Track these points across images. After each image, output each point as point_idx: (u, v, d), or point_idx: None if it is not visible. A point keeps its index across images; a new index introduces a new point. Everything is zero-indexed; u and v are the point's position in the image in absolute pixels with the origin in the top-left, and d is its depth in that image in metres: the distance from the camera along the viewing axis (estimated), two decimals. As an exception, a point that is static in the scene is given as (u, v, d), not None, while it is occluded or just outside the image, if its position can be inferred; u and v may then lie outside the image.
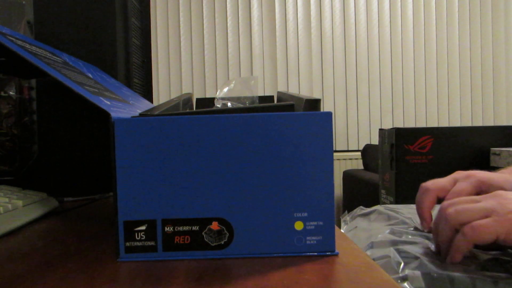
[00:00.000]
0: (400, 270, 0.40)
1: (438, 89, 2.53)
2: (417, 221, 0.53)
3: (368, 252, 0.47)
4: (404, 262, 0.41)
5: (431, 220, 0.49)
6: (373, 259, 0.44)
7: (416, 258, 0.42)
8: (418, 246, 0.46)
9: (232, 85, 0.66)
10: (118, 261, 0.31)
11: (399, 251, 0.44)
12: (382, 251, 0.45)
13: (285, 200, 0.31)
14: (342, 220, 0.64)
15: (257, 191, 0.31)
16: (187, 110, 0.60)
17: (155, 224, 0.31)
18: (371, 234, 0.52)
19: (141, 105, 0.56)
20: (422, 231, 0.51)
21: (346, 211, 0.67)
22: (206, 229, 0.31)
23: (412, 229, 0.52)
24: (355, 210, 0.64)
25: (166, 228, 0.31)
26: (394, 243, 0.47)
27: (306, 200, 0.31)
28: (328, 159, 0.31)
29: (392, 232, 0.51)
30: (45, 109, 0.63)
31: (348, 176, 2.09)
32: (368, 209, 0.63)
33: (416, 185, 0.52)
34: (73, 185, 0.62)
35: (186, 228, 0.31)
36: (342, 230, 0.51)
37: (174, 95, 2.44)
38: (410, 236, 0.49)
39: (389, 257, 0.43)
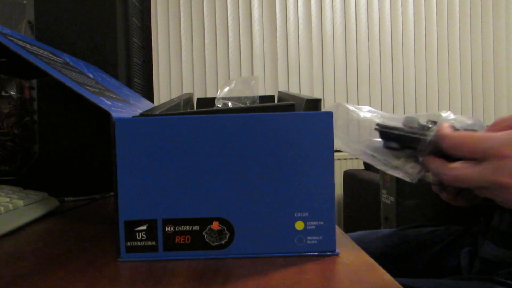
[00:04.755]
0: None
1: (439, 89, 2.53)
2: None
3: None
4: None
5: None
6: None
7: None
8: None
9: (233, 85, 0.66)
10: (119, 260, 0.31)
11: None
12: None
13: (285, 200, 0.31)
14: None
15: (257, 191, 0.31)
16: (188, 110, 0.60)
17: (155, 224, 0.31)
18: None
19: (142, 105, 0.56)
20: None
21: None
22: (207, 229, 0.31)
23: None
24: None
25: (166, 228, 0.31)
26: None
27: (306, 200, 0.31)
28: (328, 159, 0.31)
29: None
30: (46, 109, 0.63)
31: (349, 176, 2.09)
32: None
33: (417, 185, 0.51)
34: (74, 185, 0.62)
35: (186, 228, 0.31)
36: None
37: (174, 95, 2.44)
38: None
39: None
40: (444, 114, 0.42)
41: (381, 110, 2.53)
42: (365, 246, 0.65)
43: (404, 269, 0.63)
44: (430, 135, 0.38)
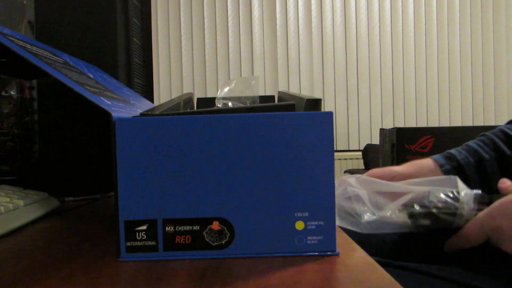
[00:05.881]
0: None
1: (439, 89, 2.53)
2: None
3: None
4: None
5: None
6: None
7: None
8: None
9: (233, 85, 0.66)
10: (119, 261, 0.31)
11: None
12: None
13: (286, 199, 0.31)
14: None
15: (258, 191, 0.31)
16: (188, 110, 0.60)
17: (156, 223, 0.31)
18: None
19: (142, 105, 0.56)
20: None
21: None
22: (207, 229, 0.31)
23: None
24: None
25: (167, 227, 0.31)
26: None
27: (307, 200, 0.31)
28: (329, 159, 0.31)
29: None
30: (46, 109, 0.63)
31: (349, 176, 2.09)
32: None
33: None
34: (74, 184, 0.62)
35: (187, 227, 0.31)
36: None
37: (175, 94, 2.45)
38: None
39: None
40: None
41: (381, 109, 2.53)
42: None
43: (409, 254, 0.62)
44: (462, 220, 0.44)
